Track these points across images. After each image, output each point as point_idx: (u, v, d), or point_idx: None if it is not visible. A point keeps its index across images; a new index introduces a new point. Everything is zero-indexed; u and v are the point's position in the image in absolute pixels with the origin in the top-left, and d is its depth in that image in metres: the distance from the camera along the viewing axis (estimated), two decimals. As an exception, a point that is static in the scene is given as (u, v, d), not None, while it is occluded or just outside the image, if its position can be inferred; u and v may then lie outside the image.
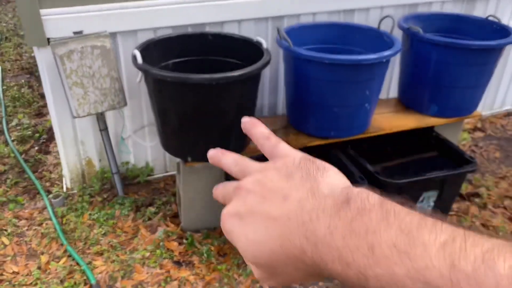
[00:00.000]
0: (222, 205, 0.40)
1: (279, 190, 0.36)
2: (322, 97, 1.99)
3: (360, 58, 1.84)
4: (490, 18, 2.41)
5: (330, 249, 0.31)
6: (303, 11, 2.38)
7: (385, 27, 2.18)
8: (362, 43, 2.26)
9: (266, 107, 2.64)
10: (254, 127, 0.44)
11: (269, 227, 0.35)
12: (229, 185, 0.41)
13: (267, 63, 1.80)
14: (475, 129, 3.16)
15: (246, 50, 2.04)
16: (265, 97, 2.59)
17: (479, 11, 2.84)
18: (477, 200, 2.42)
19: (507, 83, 3.23)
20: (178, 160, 2.06)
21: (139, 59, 1.72)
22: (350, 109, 2.02)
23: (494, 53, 2.16)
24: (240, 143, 1.96)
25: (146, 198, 2.39)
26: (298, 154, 0.39)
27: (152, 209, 2.30)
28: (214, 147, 0.45)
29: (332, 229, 0.31)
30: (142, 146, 2.43)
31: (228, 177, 2.01)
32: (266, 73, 2.52)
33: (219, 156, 0.44)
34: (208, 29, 2.25)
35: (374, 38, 2.21)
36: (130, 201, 2.33)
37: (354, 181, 1.92)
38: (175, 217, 2.26)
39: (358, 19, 2.54)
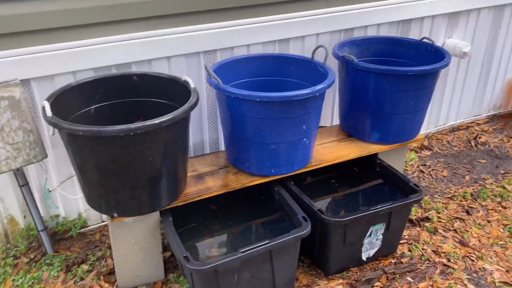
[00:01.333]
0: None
1: None
2: (258, 134, 1.88)
3: (291, 94, 1.75)
4: (425, 40, 2.41)
5: None
6: (236, 44, 2.29)
7: (320, 55, 2.12)
8: (297, 74, 2.19)
9: (208, 144, 2.51)
10: None
11: None
12: None
13: (194, 105, 1.68)
14: (422, 147, 3.15)
15: (175, 89, 1.91)
16: (205, 133, 2.46)
17: (414, 33, 2.85)
18: (427, 224, 2.36)
19: (449, 98, 3.26)
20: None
21: (48, 112, 1.55)
22: (288, 145, 1.92)
23: (430, 77, 2.14)
24: (172, 190, 1.81)
25: (79, 254, 2.18)
26: None
27: (85, 267, 2.09)
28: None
29: None
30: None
31: (163, 231, 1.85)
32: (204, 109, 2.40)
33: None
34: (134, 69, 2.11)
35: (308, 69, 2.15)
36: (61, 259, 2.12)
37: (297, 223, 1.81)
38: (111, 274, 2.06)
39: (293, 48, 2.47)
